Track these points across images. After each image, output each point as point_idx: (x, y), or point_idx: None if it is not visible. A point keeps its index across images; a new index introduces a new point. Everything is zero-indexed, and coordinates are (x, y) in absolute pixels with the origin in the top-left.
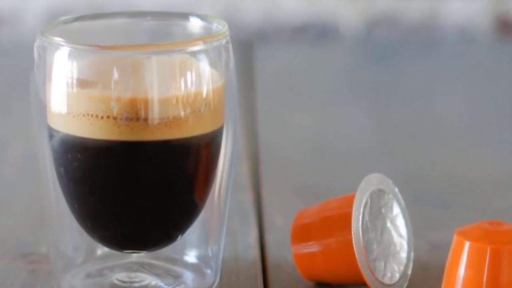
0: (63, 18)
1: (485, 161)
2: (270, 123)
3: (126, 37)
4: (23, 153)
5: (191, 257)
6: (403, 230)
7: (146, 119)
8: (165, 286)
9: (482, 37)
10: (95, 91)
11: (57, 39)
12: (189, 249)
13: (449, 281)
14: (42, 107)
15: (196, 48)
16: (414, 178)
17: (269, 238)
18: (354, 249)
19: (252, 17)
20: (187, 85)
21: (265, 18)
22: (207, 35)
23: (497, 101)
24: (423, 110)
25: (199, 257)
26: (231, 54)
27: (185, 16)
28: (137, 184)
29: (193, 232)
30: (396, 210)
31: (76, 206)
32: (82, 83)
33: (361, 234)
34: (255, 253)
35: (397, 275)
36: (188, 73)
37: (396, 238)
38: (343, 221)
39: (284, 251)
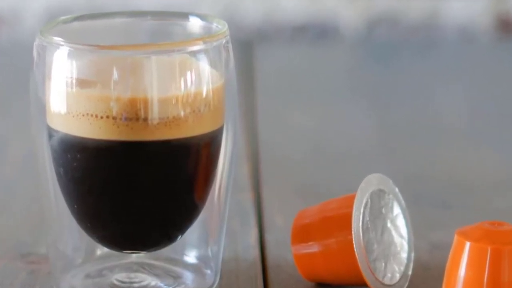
0: (63, 17)
1: (485, 161)
2: (270, 122)
3: (125, 37)
4: (22, 153)
5: (191, 257)
6: (403, 230)
7: (145, 119)
8: (164, 286)
9: (483, 37)
10: (94, 91)
11: (57, 39)
12: (189, 249)
13: (449, 282)
14: (42, 107)
15: (196, 48)
16: (414, 178)
17: (269, 238)
18: (355, 249)
19: (252, 16)
20: (187, 85)
21: (265, 17)
22: (207, 35)
23: (497, 101)
24: (423, 110)
25: (199, 258)
26: (231, 54)
27: (185, 15)
28: (136, 184)
29: (193, 232)
30: (397, 210)
31: (75, 206)
32: (82, 83)
33: (361, 234)
34: (255, 253)
35: (398, 276)
36: (188, 73)
37: (397, 239)
38: (344, 221)
39: (284, 251)
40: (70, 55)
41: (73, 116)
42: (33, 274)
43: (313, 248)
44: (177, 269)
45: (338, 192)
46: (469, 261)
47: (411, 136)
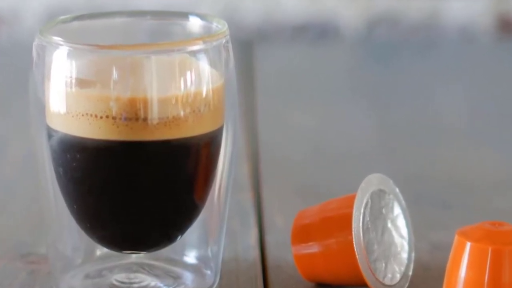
0: (62, 17)
1: (485, 161)
2: (270, 122)
3: (125, 37)
4: (22, 153)
5: (190, 257)
6: (404, 230)
7: (145, 119)
8: (164, 287)
9: (483, 36)
10: (94, 91)
11: (56, 39)
12: (189, 249)
13: (450, 282)
14: (41, 107)
15: (195, 47)
16: (414, 178)
17: (269, 238)
18: (355, 249)
19: (252, 16)
20: (186, 84)
21: (265, 17)
22: (206, 35)
23: (497, 101)
24: (423, 110)
25: (198, 258)
26: (231, 54)
27: (184, 15)
28: (136, 184)
29: (192, 232)
30: (397, 210)
31: (75, 206)
32: (81, 83)
33: (361, 234)
34: (255, 253)
35: (398, 276)
36: (188, 73)
37: (397, 239)
38: (344, 221)
39: (284, 251)
40: (70, 55)
41: (73, 116)
42: (33, 274)
43: (313, 248)
44: (177, 270)
45: (338, 192)
46: (470, 262)
47: (411, 136)
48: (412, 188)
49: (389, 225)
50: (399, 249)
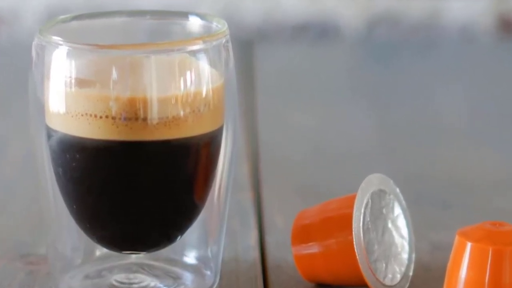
0: (62, 17)
1: (485, 161)
2: (270, 122)
3: (125, 36)
4: (21, 153)
5: (190, 258)
6: (404, 231)
7: (145, 119)
8: (164, 287)
9: (483, 37)
10: (93, 91)
11: (56, 38)
12: (189, 250)
13: (450, 282)
14: (40, 106)
15: (195, 47)
16: (414, 178)
17: (269, 239)
18: (355, 250)
19: (252, 16)
20: (186, 84)
21: (265, 17)
22: (206, 34)
23: (497, 101)
24: (423, 110)
25: (198, 258)
26: (231, 53)
27: (184, 15)
28: (136, 184)
29: (192, 232)
30: (397, 210)
31: (74, 206)
32: (81, 83)
33: (362, 234)
34: (255, 254)
35: (398, 276)
36: (188, 73)
37: (397, 239)
38: (344, 221)
39: (284, 252)
40: (69, 54)
41: (72, 116)
42: (32, 274)
43: (313, 248)
44: (177, 270)
45: (338, 192)
46: (470, 262)
47: (411, 136)
48: (412, 188)
49: (390, 225)
50: (399, 249)
